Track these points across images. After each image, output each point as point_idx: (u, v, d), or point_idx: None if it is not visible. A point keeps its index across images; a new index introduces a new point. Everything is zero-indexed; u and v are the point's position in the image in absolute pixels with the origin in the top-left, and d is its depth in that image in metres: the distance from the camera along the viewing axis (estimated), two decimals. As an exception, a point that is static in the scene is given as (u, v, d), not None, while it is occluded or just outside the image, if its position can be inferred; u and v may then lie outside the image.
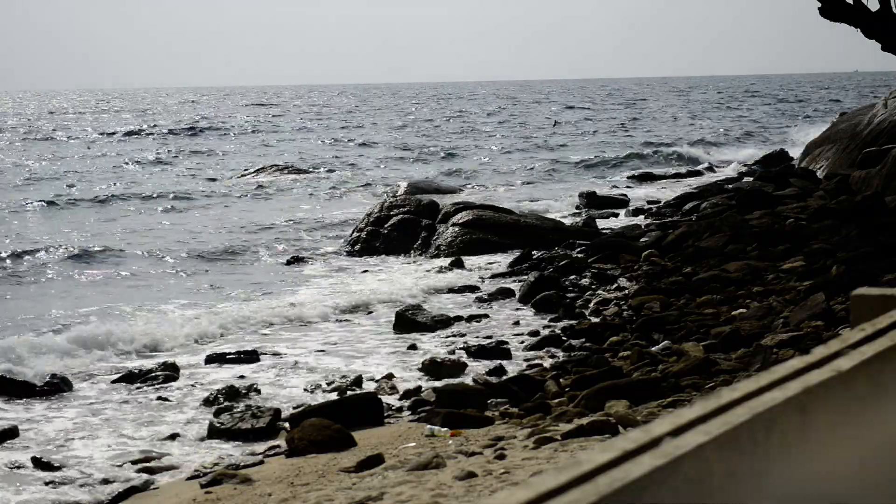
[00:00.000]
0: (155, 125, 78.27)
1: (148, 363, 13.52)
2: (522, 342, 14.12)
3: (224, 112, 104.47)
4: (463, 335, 14.70)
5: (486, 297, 17.24)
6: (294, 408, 11.37)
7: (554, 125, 60.52)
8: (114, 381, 12.96)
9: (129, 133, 70.11)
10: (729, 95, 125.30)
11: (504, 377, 12.05)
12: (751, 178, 28.55)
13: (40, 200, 32.98)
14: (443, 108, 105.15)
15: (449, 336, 14.75)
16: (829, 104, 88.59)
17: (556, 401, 10.65)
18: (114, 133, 70.27)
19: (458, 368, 12.81)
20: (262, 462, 9.62)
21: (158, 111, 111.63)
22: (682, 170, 38.85)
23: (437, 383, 12.01)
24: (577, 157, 45.95)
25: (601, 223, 24.55)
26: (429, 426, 9.91)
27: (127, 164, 47.54)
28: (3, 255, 22.41)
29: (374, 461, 8.66)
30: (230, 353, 13.94)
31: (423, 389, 11.86)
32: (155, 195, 34.87)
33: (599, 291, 16.63)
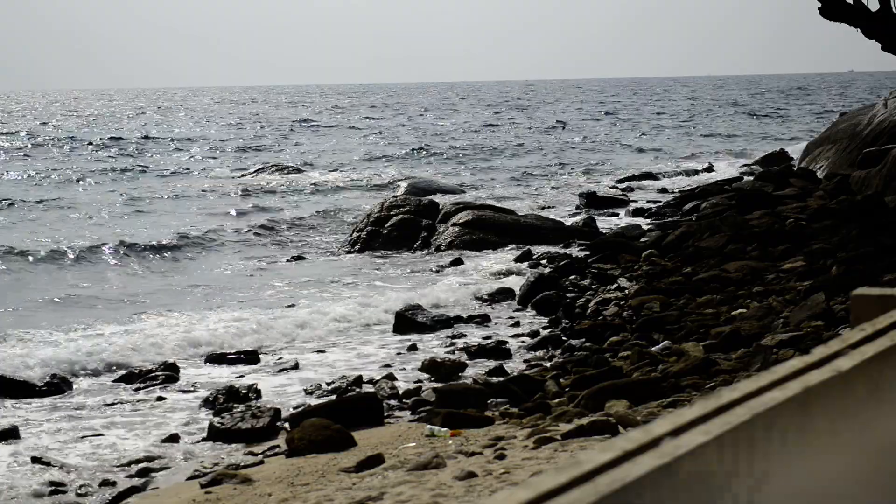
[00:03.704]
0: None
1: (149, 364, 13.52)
2: (522, 342, 14.12)
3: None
4: (463, 335, 14.70)
5: (485, 297, 17.24)
6: (294, 408, 11.37)
7: (563, 128, 60.48)
8: (114, 381, 12.96)
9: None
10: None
11: (504, 377, 12.05)
12: (751, 178, 28.55)
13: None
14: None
15: (449, 336, 14.75)
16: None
17: (556, 401, 10.64)
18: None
19: (458, 368, 12.81)
20: (262, 462, 9.61)
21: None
22: (682, 169, 38.90)
23: (438, 383, 12.01)
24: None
25: (601, 223, 24.55)
26: (429, 426, 9.90)
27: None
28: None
29: (374, 461, 8.65)
30: (230, 353, 13.95)
31: (423, 389, 11.85)
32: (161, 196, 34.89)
33: (599, 291, 16.63)
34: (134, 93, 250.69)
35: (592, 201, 29.34)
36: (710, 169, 38.24)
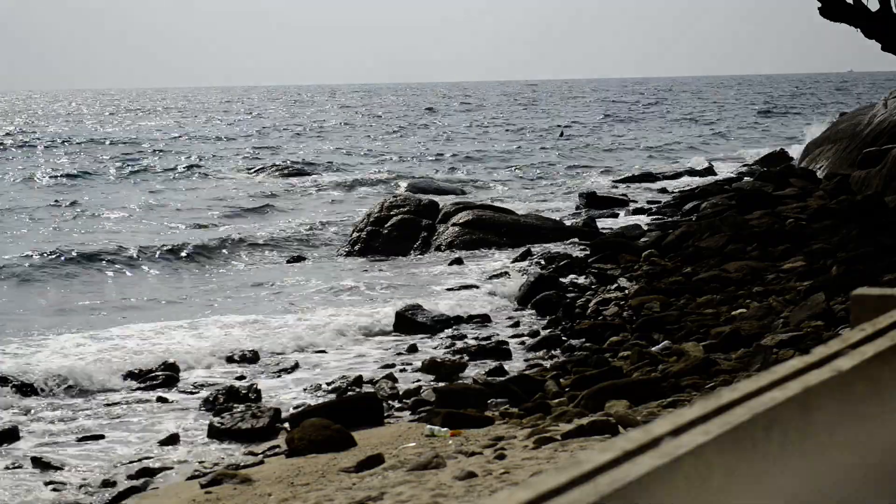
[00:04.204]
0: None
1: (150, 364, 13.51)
2: (522, 342, 14.11)
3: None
4: (463, 335, 14.70)
5: (486, 296, 17.23)
6: (294, 408, 11.37)
7: (562, 133, 60.70)
8: (114, 382, 12.95)
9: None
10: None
11: (504, 377, 12.05)
12: (751, 178, 28.55)
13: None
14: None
15: (449, 336, 14.74)
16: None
17: (556, 401, 10.64)
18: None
19: (458, 368, 12.81)
20: (262, 462, 9.62)
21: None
22: (682, 169, 38.90)
23: (438, 383, 12.01)
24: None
25: (601, 223, 24.55)
26: (429, 426, 9.90)
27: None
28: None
29: (374, 461, 8.65)
30: (230, 354, 13.94)
31: (423, 389, 11.85)
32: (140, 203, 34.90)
33: (599, 291, 16.63)
34: (136, 93, 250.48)
35: (592, 201, 29.32)
36: (710, 169, 38.22)
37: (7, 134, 68.28)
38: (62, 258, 22.34)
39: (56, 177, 41.48)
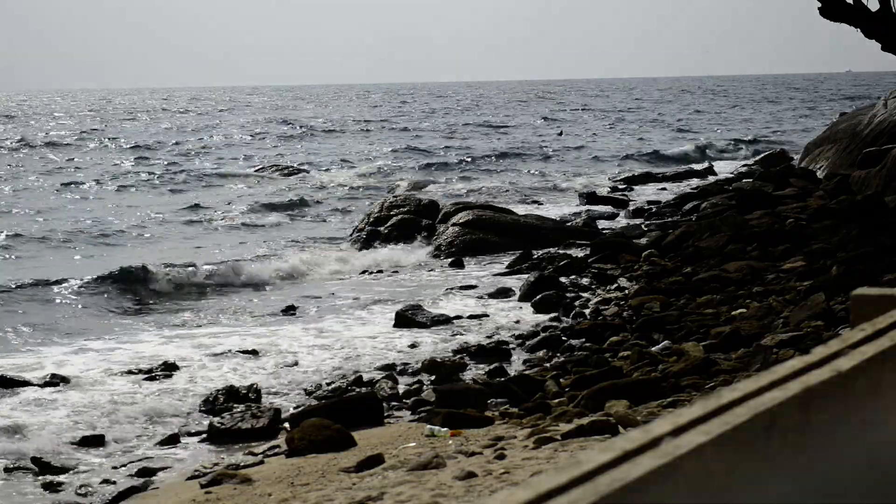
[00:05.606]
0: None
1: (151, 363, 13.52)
2: (522, 342, 14.11)
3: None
4: (463, 335, 14.70)
5: (485, 296, 17.24)
6: (294, 408, 11.38)
7: (560, 134, 60.88)
8: (113, 381, 12.95)
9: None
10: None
11: (504, 377, 12.05)
12: (751, 179, 28.53)
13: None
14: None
15: (449, 336, 14.74)
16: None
17: (556, 401, 10.64)
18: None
19: (458, 368, 12.81)
20: (262, 462, 9.62)
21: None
22: (682, 169, 38.89)
23: (438, 383, 12.01)
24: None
25: (601, 223, 24.55)
26: (429, 426, 9.91)
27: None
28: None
29: (374, 461, 8.65)
30: (230, 353, 13.95)
31: (423, 389, 11.86)
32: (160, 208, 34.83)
33: (599, 291, 16.63)
34: (142, 93, 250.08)
35: (592, 201, 29.32)
36: (710, 169, 38.23)
37: (10, 137, 68.20)
38: (82, 271, 21.91)
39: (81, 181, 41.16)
